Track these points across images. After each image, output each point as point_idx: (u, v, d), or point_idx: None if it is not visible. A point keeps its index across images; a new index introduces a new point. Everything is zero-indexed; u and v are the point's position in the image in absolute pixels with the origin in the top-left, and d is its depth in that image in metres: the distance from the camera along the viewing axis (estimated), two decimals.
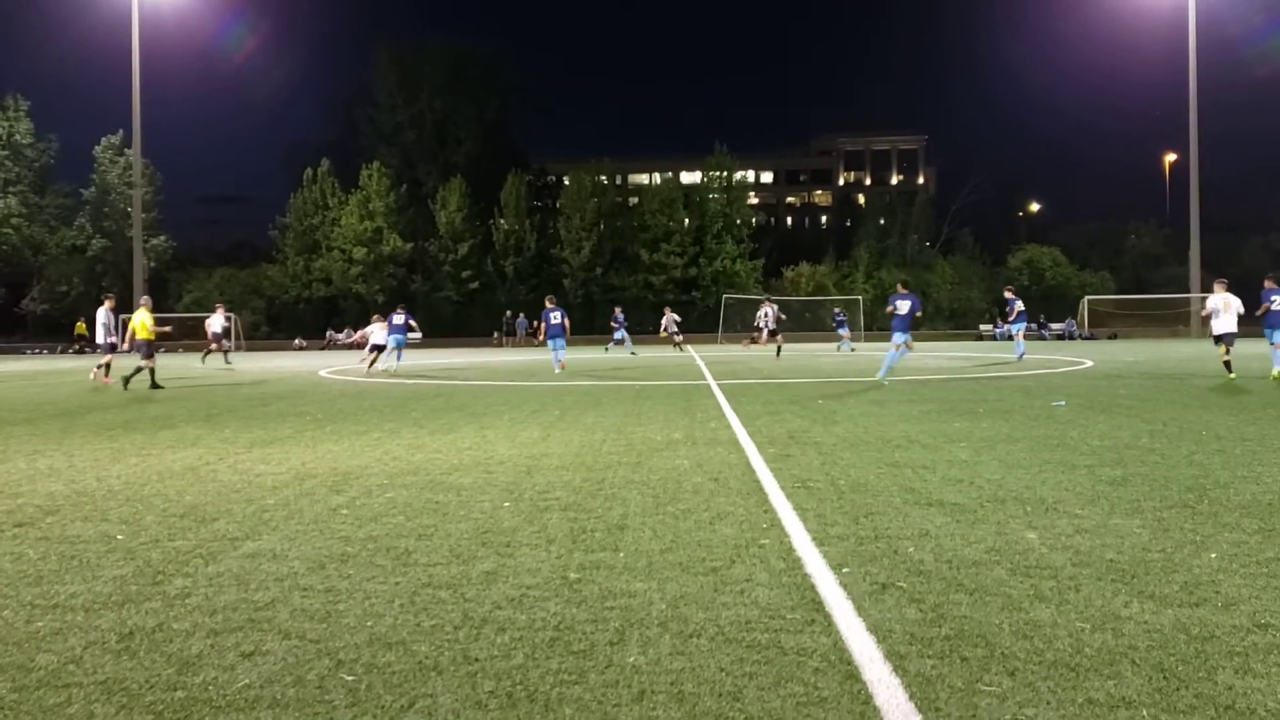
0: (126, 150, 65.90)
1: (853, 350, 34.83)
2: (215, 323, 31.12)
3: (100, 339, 23.04)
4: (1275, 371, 17.65)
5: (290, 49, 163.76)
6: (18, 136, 65.57)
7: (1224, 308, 18.49)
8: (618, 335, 37.24)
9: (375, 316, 27.58)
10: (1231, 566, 4.78)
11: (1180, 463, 8.01)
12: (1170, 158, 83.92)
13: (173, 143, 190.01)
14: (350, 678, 3.50)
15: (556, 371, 23.69)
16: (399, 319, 25.78)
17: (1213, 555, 5.00)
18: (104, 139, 69.07)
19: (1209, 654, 3.60)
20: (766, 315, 31.49)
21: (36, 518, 6.42)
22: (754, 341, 34.49)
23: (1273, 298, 17.68)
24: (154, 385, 20.26)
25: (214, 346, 31.07)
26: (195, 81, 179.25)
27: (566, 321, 25.41)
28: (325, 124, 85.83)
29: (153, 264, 65.14)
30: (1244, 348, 19.29)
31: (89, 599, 4.51)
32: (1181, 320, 60.11)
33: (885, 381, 17.67)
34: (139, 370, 20.54)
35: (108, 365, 22.46)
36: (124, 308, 60.01)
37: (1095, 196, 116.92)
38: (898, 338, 18.24)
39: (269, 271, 68.82)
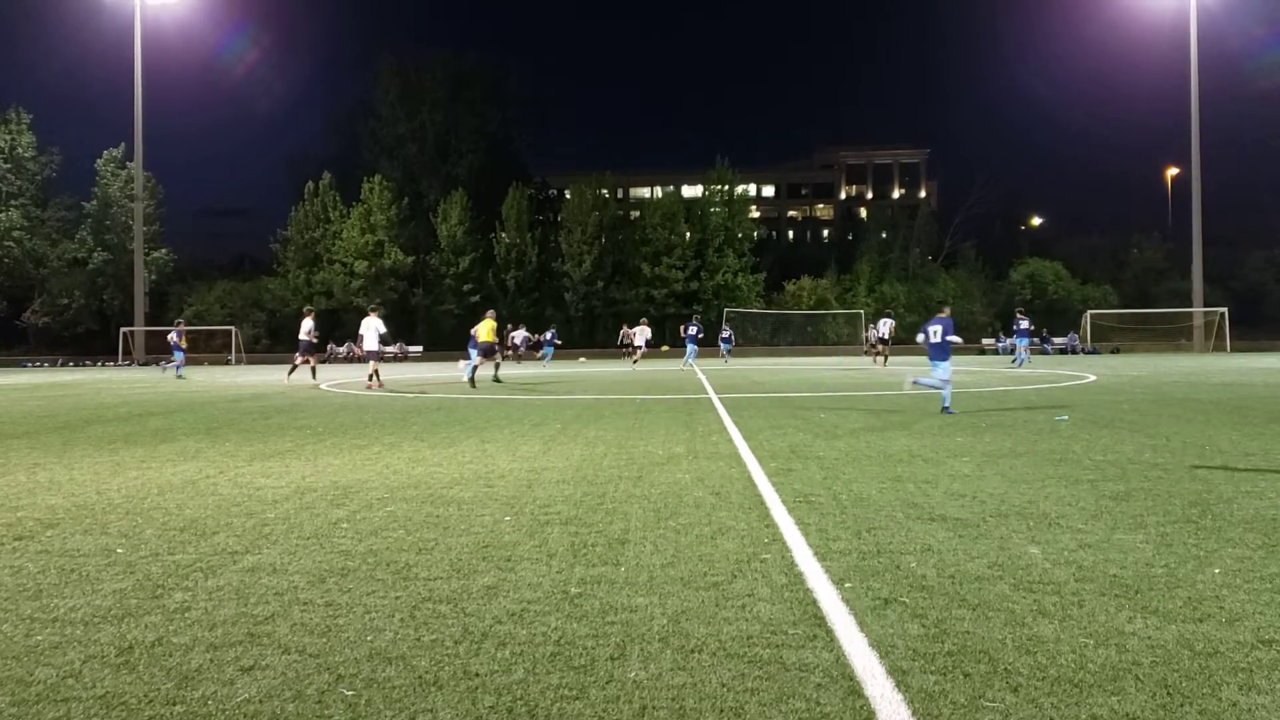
0: (128, 163, 66.18)
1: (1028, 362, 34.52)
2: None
3: (373, 346, 24.63)
4: None
5: (292, 63, 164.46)
6: (20, 149, 65.89)
7: None
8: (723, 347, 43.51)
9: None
10: (1235, 582, 4.77)
11: (1183, 478, 7.99)
12: (1172, 171, 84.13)
13: (174, 156, 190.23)
14: (350, 692, 3.49)
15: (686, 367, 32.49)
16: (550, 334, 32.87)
17: (1216, 570, 4.98)
18: (106, 152, 69.37)
19: (1213, 670, 3.58)
20: (888, 326, 36.44)
21: (36, 531, 6.41)
22: (880, 354, 37.13)
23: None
24: (496, 379, 25.32)
25: None
26: (197, 95, 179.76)
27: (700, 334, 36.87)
28: (327, 137, 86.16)
29: (154, 277, 65.31)
30: (1249, 361, 19.28)
31: (88, 613, 4.49)
32: (1184, 334, 60.13)
33: None
34: (478, 369, 25.17)
35: (377, 372, 24.71)
36: (125, 320, 60.34)
37: (1098, 210, 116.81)
38: None
39: (270, 284, 68.84)
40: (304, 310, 28.54)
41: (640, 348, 41.63)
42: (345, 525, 6.46)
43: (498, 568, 5.24)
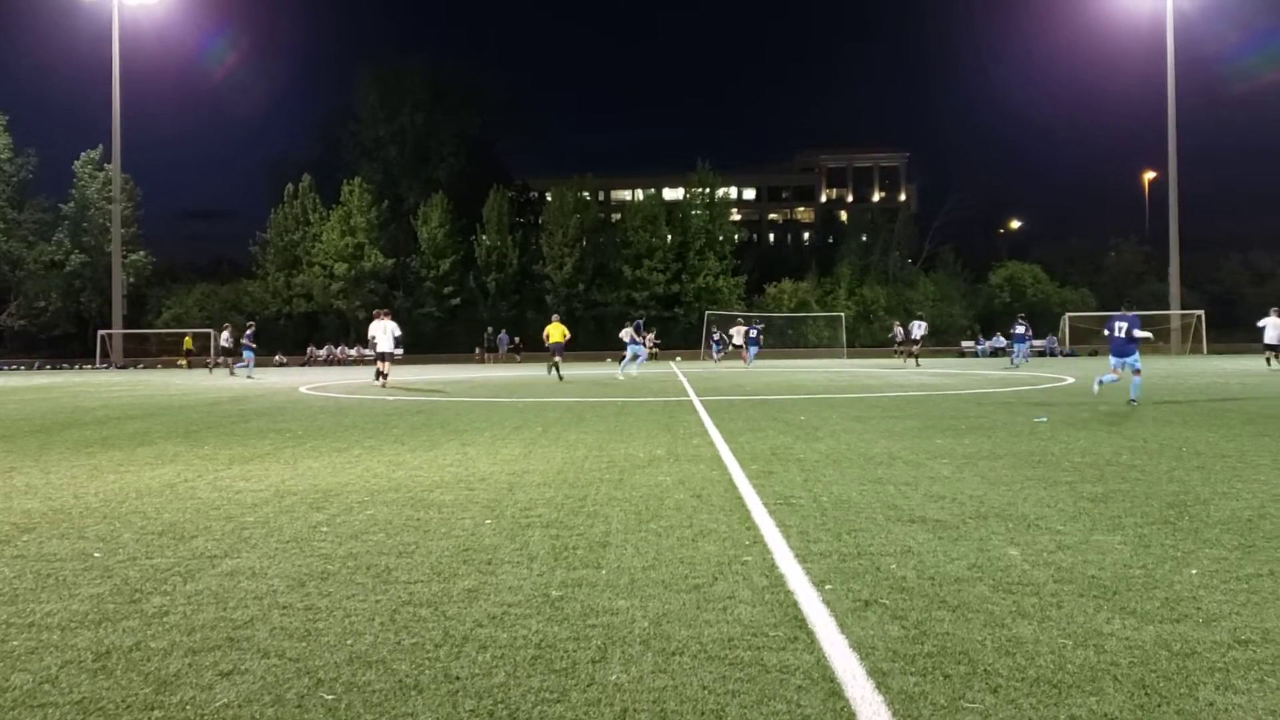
0: (106, 165, 65.54)
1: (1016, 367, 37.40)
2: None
3: (387, 348, 26.43)
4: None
5: (272, 65, 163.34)
6: None
7: None
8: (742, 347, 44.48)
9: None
10: (1212, 582, 4.80)
11: (1161, 479, 8.05)
12: (1149, 175, 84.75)
13: (153, 158, 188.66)
14: (330, 697, 3.47)
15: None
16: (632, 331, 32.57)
17: (1193, 571, 5.02)
18: (83, 154, 68.67)
19: (1190, 670, 3.61)
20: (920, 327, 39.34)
21: (12, 535, 6.35)
22: (913, 355, 39.40)
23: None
24: (560, 377, 28.11)
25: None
26: (176, 97, 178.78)
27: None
28: (307, 140, 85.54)
29: (132, 279, 64.79)
30: (1225, 364, 19.46)
31: (65, 617, 4.46)
32: (1161, 337, 60.54)
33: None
34: (555, 366, 29.24)
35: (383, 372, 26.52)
36: (103, 323, 59.85)
37: (1076, 213, 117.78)
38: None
39: (249, 287, 68.37)
40: (374, 313, 29.35)
41: (740, 345, 47.16)
42: (325, 529, 6.44)
43: (478, 571, 5.23)
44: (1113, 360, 16.58)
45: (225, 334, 40.11)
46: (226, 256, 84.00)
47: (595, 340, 60.38)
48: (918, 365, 37.23)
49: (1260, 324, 30.80)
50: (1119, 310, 17.16)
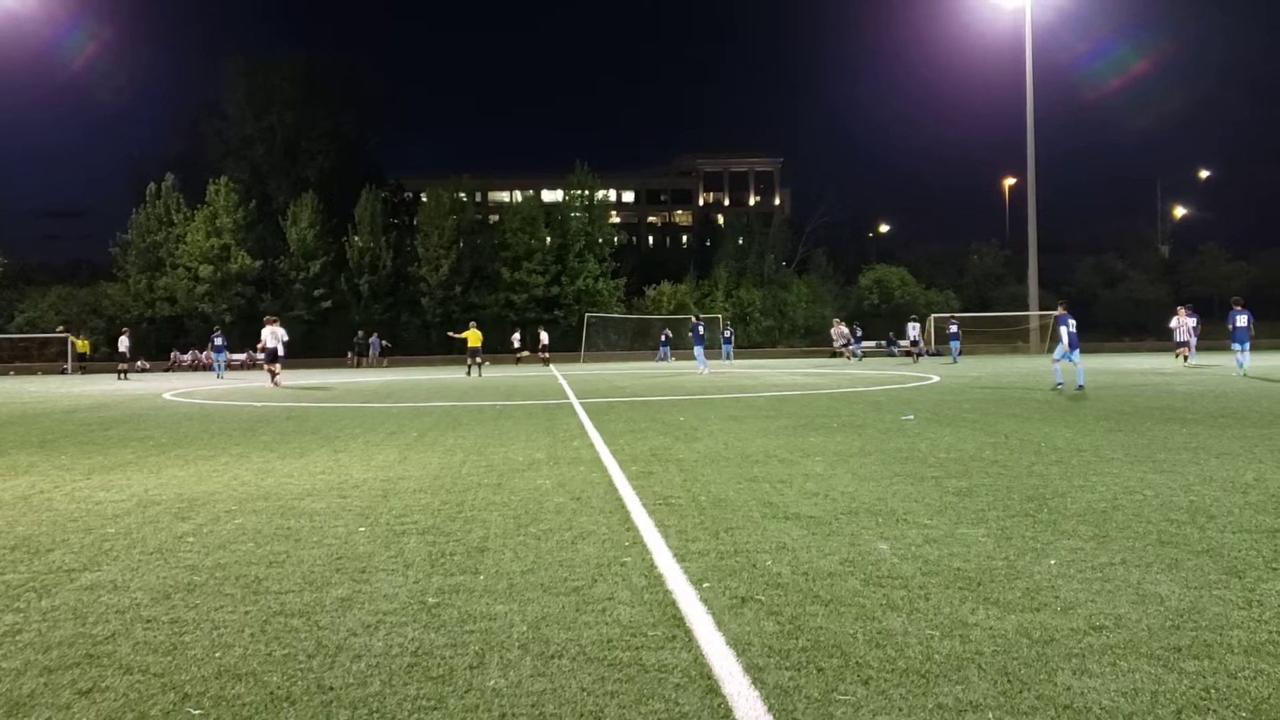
0: None
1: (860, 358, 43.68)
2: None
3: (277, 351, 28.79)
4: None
5: (133, 60, 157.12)
6: None
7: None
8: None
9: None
10: (1069, 572, 5.01)
11: (1021, 473, 8.36)
12: (1009, 181, 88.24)
13: (8, 155, 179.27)
14: (197, 712, 3.36)
15: (704, 372, 32.48)
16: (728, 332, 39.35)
17: (1052, 562, 5.23)
18: None
19: (1049, 656, 3.76)
20: (917, 328, 45.46)
21: None
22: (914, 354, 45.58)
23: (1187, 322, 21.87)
24: (479, 374, 32.52)
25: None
26: (26, 88, 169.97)
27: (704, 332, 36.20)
28: (171, 137, 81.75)
29: None
30: (1087, 363, 20.36)
31: None
32: (1021, 336, 63.01)
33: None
34: (477, 366, 33.72)
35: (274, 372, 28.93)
36: None
37: (940, 218, 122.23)
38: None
39: (109, 290, 65.58)
40: (265, 319, 31.37)
41: (849, 346, 48.09)
42: (191, 539, 6.22)
43: (352, 579, 5.12)
44: (1063, 354, 20.44)
45: (124, 339, 39.75)
46: (85, 258, 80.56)
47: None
48: (915, 361, 42.58)
49: (1171, 324, 34.52)
50: (1058, 311, 21.24)
